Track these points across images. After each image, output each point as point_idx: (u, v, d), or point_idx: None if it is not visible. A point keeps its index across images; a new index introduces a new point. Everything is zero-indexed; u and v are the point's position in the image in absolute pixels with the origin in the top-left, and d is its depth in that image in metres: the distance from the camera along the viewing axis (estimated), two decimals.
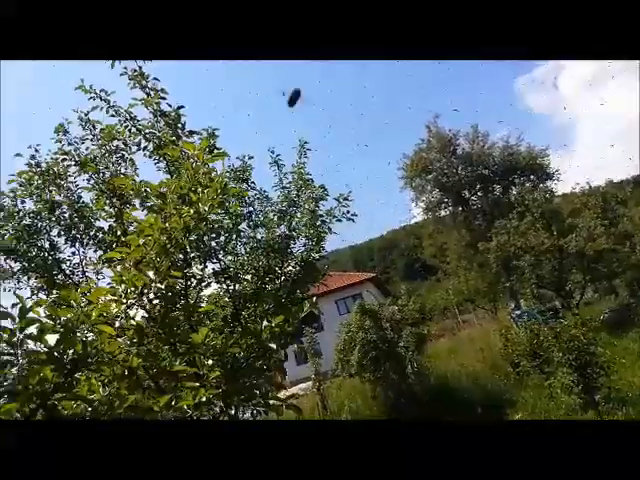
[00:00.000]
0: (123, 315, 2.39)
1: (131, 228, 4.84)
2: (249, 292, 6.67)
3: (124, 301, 2.45)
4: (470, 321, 33.92)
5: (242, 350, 2.20)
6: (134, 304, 2.46)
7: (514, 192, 36.60)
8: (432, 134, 38.86)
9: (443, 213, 41.16)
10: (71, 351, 2.05)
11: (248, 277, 7.16)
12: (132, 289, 2.44)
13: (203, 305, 5.66)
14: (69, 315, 2.18)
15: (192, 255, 6.10)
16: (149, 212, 2.86)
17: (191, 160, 2.78)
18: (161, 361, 2.83)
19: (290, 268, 7.39)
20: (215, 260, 6.45)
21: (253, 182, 7.83)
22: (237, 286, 6.84)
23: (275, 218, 7.93)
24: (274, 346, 2.15)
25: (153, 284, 2.38)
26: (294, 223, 7.83)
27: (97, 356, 2.01)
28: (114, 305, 2.40)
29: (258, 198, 8.03)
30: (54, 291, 6.39)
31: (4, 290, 6.73)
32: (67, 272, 6.60)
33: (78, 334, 2.20)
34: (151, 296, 2.45)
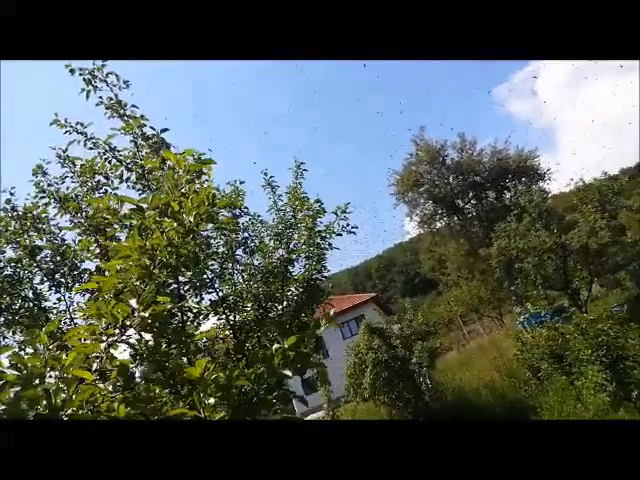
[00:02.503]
0: (104, 355, 2.00)
1: None
2: (251, 321, 6.26)
3: (104, 338, 2.06)
4: (476, 331, 33.36)
5: (252, 382, 1.80)
6: (116, 341, 2.06)
7: (507, 196, 36.59)
8: (419, 147, 38.92)
9: (438, 225, 41.01)
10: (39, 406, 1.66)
11: (248, 306, 6.78)
12: (113, 323, 2.06)
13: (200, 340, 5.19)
14: (36, 362, 1.79)
15: (186, 288, 5.76)
16: (130, 234, 2.49)
17: (172, 170, 2.44)
18: (161, 406, 2.41)
19: (292, 291, 7.03)
20: (211, 289, 6.03)
21: (246, 207, 7.53)
22: (237, 316, 6.44)
23: (271, 242, 7.62)
24: (289, 373, 1.75)
25: (137, 314, 2.00)
26: (292, 245, 7.52)
27: (66, 407, 1.61)
28: (92, 345, 2.01)
29: (252, 223, 7.75)
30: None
31: None
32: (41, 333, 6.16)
33: (51, 381, 1.81)
34: (136, 329, 2.06)
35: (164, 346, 2.21)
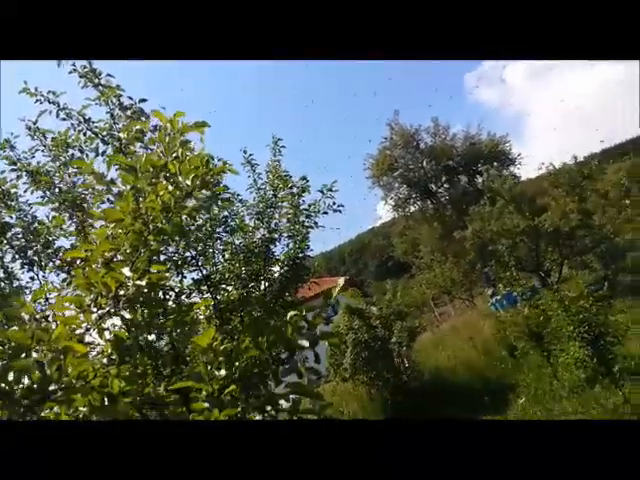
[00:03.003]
0: (95, 327, 1.83)
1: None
2: (234, 300, 6.10)
3: (94, 310, 1.90)
4: (447, 313, 33.64)
5: (263, 352, 1.67)
6: (108, 312, 1.90)
7: (479, 180, 37.12)
8: (394, 131, 38.96)
9: (412, 209, 41.35)
10: (26, 381, 1.49)
11: (230, 286, 6.63)
12: (104, 293, 1.89)
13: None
14: (22, 335, 1.62)
15: (167, 266, 5.56)
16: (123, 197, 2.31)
17: (164, 131, 2.26)
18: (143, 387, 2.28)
19: (276, 269, 6.89)
20: (194, 267, 5.84)
21: (226, 185, 7.30)
22: (219, 296, 6.28)
23: (252, 222, 7.45)
24: (305, 343, 1.63)
25: (130, 282, 1.83)
26: (273, 224, 7.37)
27: (60, 383, 1.45)
28: (82, 317, 1.84)
29: (231, 201, 7.54)
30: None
31: None
32: (27, 301, 5.86)
33: (36, 356, 1.64)
34: (129, 300, 1.89)
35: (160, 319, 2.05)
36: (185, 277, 5.70)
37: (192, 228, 4.83)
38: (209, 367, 1.61)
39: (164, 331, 2.01)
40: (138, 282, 1.83)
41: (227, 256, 6.92)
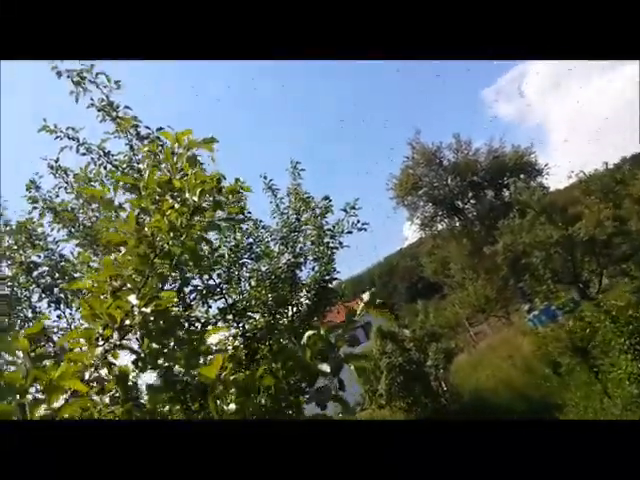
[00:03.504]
0: (99, 362, 1.67)
1: None
2: (261, 328, 5.93)
3: (100, 343, 1.74)
4: (483, 332, 32.59)
5: (280, 380, 1.48)
6: (115, 346, 1.74)
7: (506, 194, 36.52)
8: (416, 150, 38.84)
9: (439, 227, 40.84)
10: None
11: (257, 314, 6.47)
12: (109, 324, 1.74)
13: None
14: (15, 375, 1.47)
15: (192, 296, 5.46)
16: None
17: (171, 148, 2.15)
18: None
19: (303, 294, 6.70)
20: (218, 296, 5.71)
21: (249, 212, 7.21)
22: (246, 325, 6.12)
23: (277, 247, 7.31)
24: (327, 368, 1.43)
25: (136, 310, 1.67)
26: (298, 248, 7.21)
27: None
28: (89, 350, 1.70)
29: (256, 228, 7.44)
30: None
31: None
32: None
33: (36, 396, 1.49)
34: (137, 329, 1.73)
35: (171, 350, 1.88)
36: (210, 307, 5.56)
37: (208, 255, 4.70)
38: (218, 402, 1.43)
39: (177, 363, 1.83)
40: (144, 309, 1.67)
41: (253, 283, 6.77)
